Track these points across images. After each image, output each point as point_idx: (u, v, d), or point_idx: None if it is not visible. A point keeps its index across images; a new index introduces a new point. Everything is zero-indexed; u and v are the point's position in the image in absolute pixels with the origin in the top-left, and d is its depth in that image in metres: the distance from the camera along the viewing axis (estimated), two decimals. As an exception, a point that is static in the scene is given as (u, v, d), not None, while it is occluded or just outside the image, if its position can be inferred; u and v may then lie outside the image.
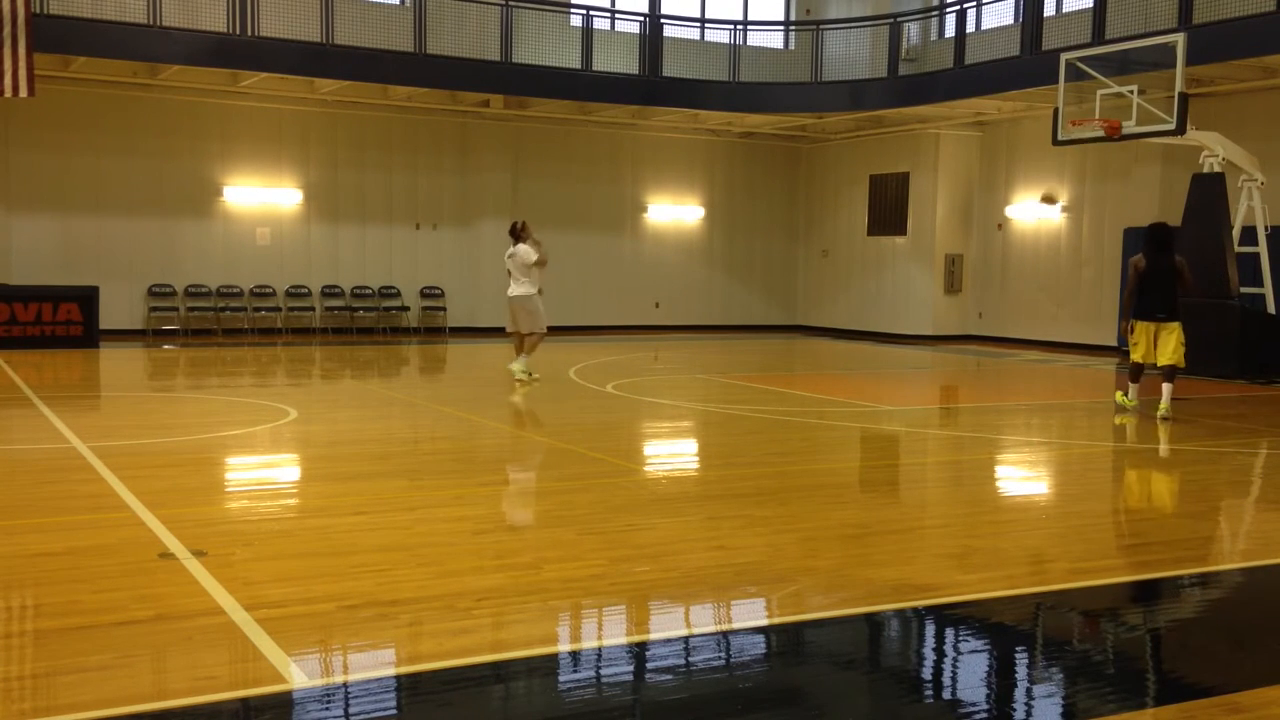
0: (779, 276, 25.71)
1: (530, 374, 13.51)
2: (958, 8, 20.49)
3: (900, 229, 23.26)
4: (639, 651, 4.48)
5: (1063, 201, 21.20)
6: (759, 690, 4.09)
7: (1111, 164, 19.41)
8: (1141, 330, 11.57)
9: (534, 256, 13.30)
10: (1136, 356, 11.70)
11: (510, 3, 20.36)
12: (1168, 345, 11.43)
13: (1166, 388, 11.38)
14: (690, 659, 4.43)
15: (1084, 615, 5.24)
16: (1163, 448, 10.05)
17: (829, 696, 4.14)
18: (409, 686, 4.05)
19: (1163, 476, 8.61)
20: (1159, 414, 11.31)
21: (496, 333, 22.14)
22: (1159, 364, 11.56)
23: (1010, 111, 21.04)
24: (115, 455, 8.32)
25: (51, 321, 17.29)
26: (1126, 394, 11.95)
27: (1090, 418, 12.33)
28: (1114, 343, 19.81)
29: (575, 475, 8.25)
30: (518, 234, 13.42)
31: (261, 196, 20.67)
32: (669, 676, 4.30)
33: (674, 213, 24.34)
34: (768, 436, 10.42)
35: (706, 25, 23.11)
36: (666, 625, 4.89)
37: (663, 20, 22.09)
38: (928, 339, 22.48)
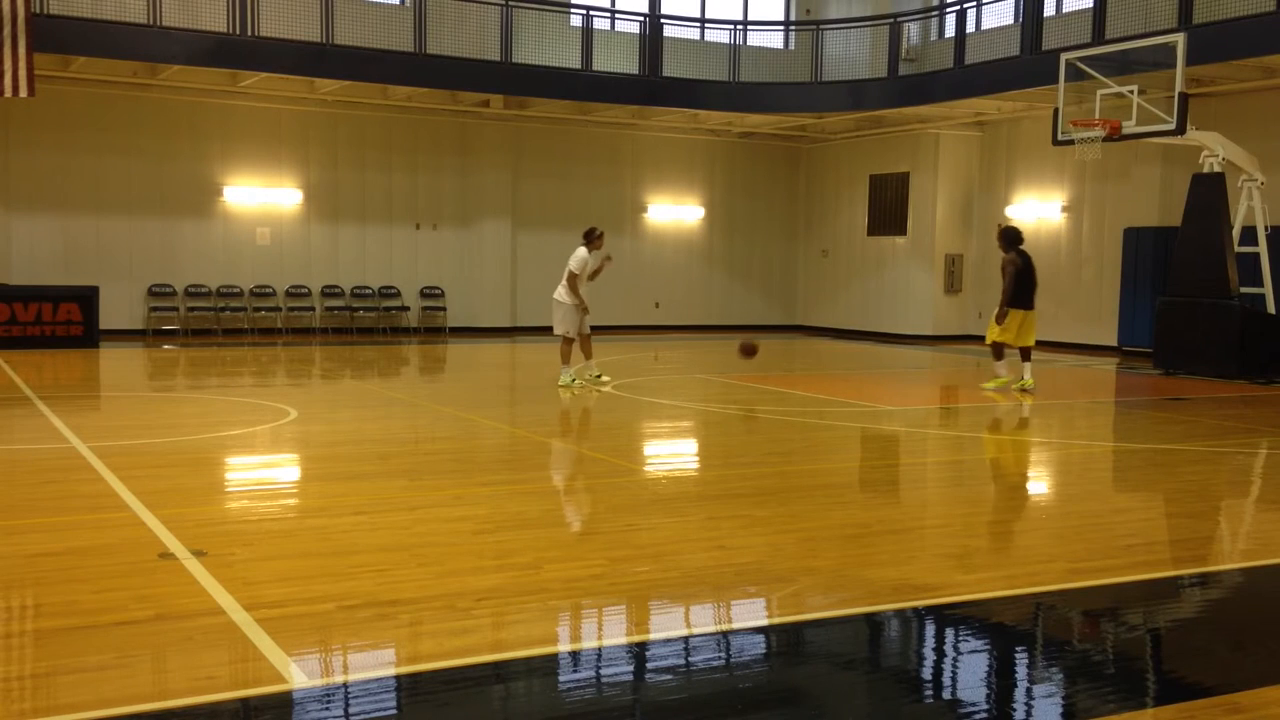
0: (779, 276, 25.71)
1: (574, 381, 13.14)
2: (958, 8, 20.49)
3: (900, 229, 23.25)
4: (639, 651, 4.48)
5: (1063, 201, 21.21)
6: (759, 690, 4.09)
7: (1111, 164, 19.40)
8: (1017, 318, 13.51)
9: (570, 266, 13.03)
10: (1009, 339, 13.61)
11: (510, 3, 20.35)
12: (1033, 330, 13.70)
13: (1030, 365, 13.79)
14: (690, 659, 4.43)
15: (1084, 615, 5.24)
16: (1162, 448, 10.04)
17: (829, 696, 4.14)
18: (409, 686, 4.05)
19: (1162, 476, 8.61)
20: (1023, 386, 13.53)
21: (497, 333, 22.19)
22: (1025, 345, 13.69)
23: (1010, 111, 21.04)
24: (115, 455, 8.32)
25: (51, 321, 17.29)
26: (999, 374, 13.78)
27: (1090, 417, 12.33)
28: (1114, 342, 19.81)
29: (575, 475, 8.25)
30: (589, 239, 13.07)
31: (261, 196, 20.67)
32: (669, 676, 4.30)
33: (674, 213, 24.34)
34: (768, 436, 10.41)
35: (706, 25, 23.11)
36: (666, 625, 4.89)
37: (663, 20, 22.09)
38: (928, 339, 22.48)
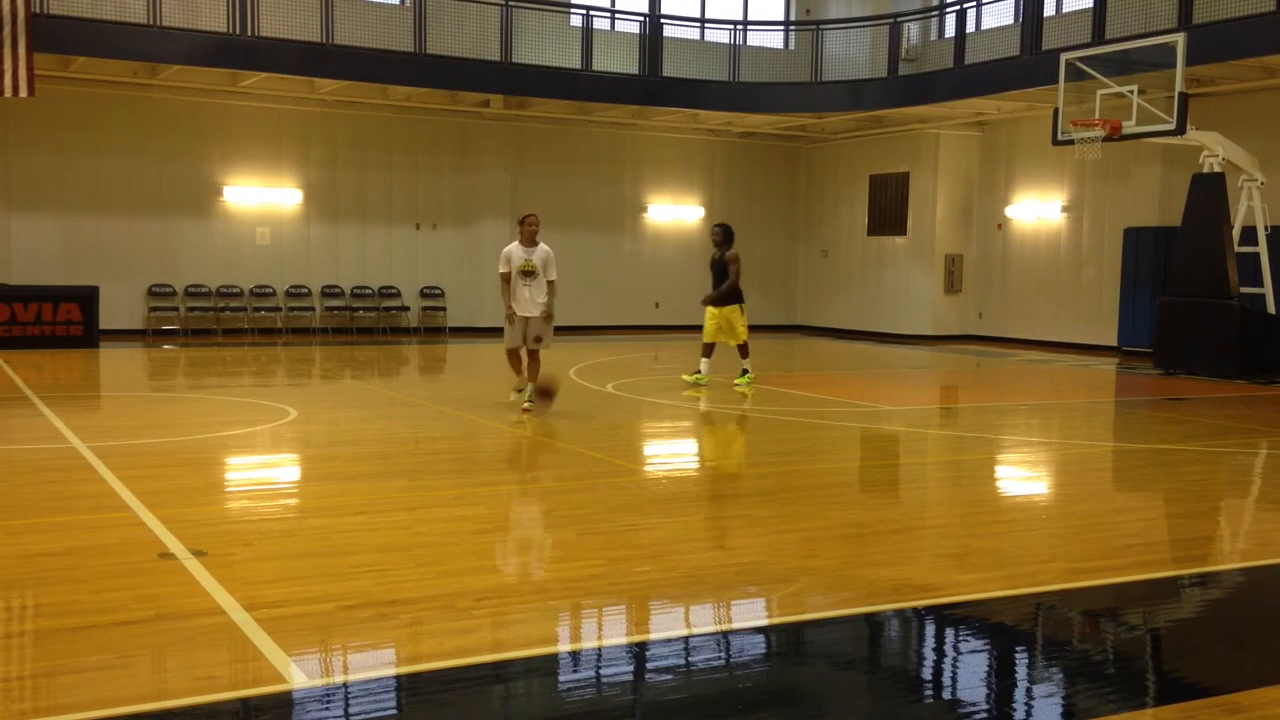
0: (779, 276, 25.69)
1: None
2: (958, 8, 20.49)
3: (900, 229, 23.25)
4: (639, 651, 4.48)
5: (1063, 201, 21.21)
6: (759, 690, 4.09)
7: (1111, 164, 19.40)
8: (742, 313, 13.67)
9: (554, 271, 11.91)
10: (747, 337, 13.78)
11: (510, 3, 20.35)
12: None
13: (708, 363, 13.80)
14: (690, 659, 4.43)
15: (1084, 615, 5.24)
16: (1162, 448, 10.04)
17: (829, 696, 4.14)
18: (409, 686, 4.05)
19: (1162, 476, 8.61)
20: (750, 381, 13.61)
21: (497, 333, 22.15)
22: (733, 343, 13.80)
23: (1010, 111, 21.03)
24: (115, 455, 8.32)
25: (51, 321, 17.29)
26: (701, 370, 13.70)
27: (1090, 417, 12.33)
28: (1114, 342, 19.81)
29: (575, 475, 8.25)
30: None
31: (261, 196, 20.67)
32: (669, 676, 4.30)
33: (674, 213, 24.33)
34: (768, 436, 10.41)
35: (706, 25, 23.10)
36: (666, 625, 4.89)
37: (663, 20, 22.08)
38: (928, 339, 22.47)
